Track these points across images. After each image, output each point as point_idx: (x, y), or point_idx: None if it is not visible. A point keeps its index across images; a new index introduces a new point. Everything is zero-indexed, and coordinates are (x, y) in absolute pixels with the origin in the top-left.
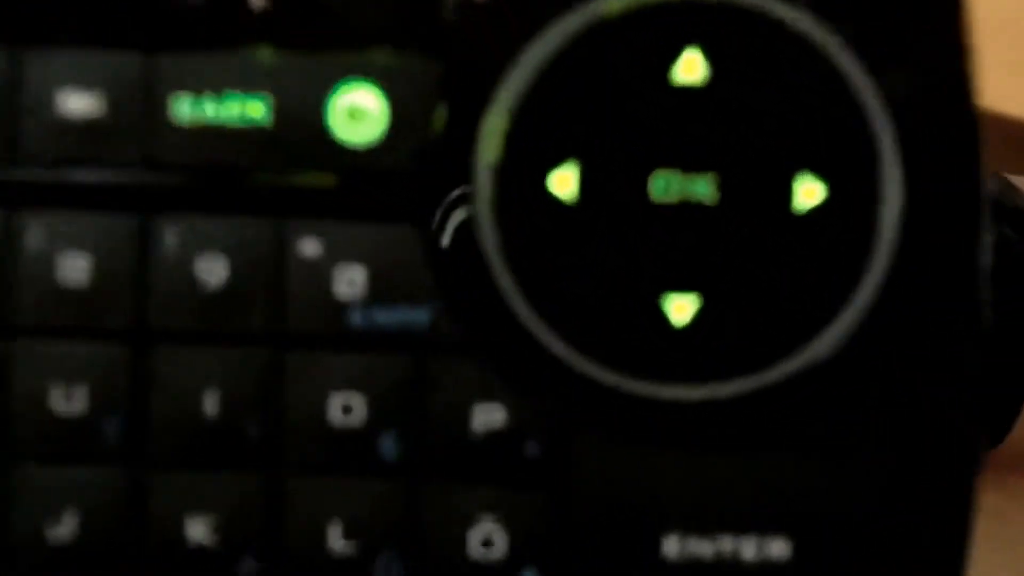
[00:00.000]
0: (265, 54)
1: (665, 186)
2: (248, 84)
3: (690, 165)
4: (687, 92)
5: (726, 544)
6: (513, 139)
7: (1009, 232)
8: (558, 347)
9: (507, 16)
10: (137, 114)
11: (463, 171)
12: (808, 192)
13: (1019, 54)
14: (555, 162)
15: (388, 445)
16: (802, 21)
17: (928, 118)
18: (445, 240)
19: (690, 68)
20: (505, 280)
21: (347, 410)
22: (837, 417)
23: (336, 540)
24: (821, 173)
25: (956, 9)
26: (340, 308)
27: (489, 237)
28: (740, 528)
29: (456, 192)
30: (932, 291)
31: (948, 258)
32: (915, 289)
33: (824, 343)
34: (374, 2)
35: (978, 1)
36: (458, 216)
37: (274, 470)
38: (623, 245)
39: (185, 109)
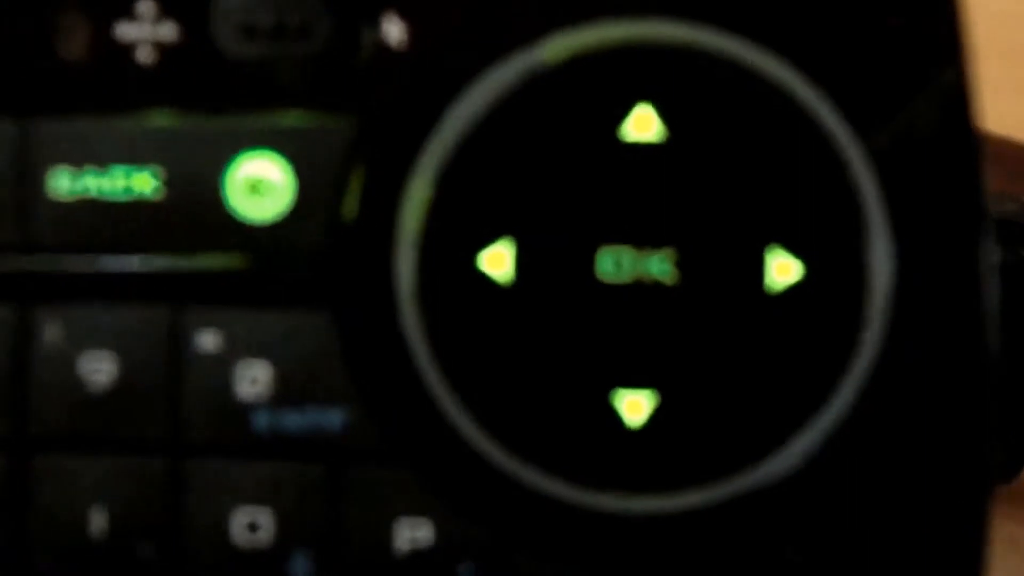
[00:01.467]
0: (154, 119)
1: (615, 264)
2: (135, 153)
3: (644, 239)
4: (640, 152)
5: None
6: (438, 210)
7: None
8: (493, 452)
9: (430, 66)
10: (9, 189)
11: (381, 248)
12: (782, 269)
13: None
14: (487, 237)
15: (300, 566)
16: (774, 68)
17: (925, 180)
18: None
19: (643, 124)
20: (431, 375)
21: (253, 527)
22: (818, 531)
23: None
24: (797, 246)
25: (957, 51)
26: (243, 410)
27: (412, 325)
28: None
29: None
30: (930, 381)
31: (948, 345)
32: (909, 380)
33: (802, 445)
34: (277, 56)
35: (988, 26)
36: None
37: None
38: (567, 333)
39: (64, 183)
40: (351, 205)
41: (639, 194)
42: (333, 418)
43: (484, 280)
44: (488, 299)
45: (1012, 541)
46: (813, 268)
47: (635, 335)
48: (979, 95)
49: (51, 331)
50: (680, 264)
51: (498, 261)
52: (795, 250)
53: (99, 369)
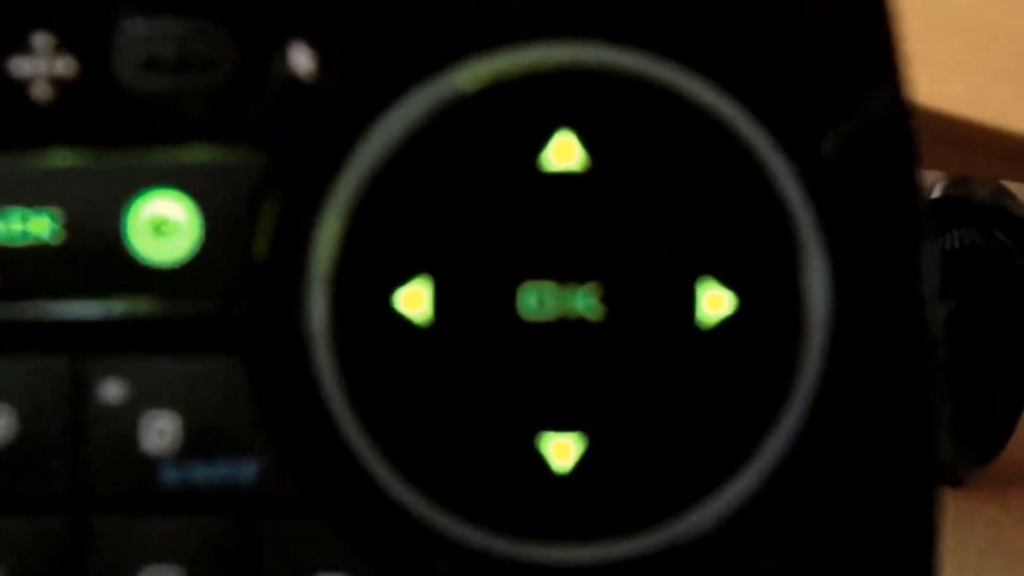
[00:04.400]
0: (52, 158)
1: (538, 301)
2: (32, 195)
3: (567, 274)
4: (561, 182)
5: None
6: (351, 248)
7: (1003, 238)
8: (414, 502)
9: (340, 97)
10: None
11: (292, 289)
12: (713, 301)
13: (1016, 64)
14: (403, 276)
15: None
16: (701, 90)
17: (861, 200)
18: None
19: (564, 152)
20: (346, 421)
21: None
22: None
23: None
24: (729, 277)
25: (890, 64)
26: (150, 464)
27: (326, 369)
28: None
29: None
30: (873, 411)
31: (892, 371)
32: (851, 411)
33: (739, 488)
34: (180, 89)
35: (976, 13)
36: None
37: None
38: (489, 375)
39: None
40: (259, 244)
41: (561, 226)
42: (245, 470)
43: (400, 320)
44: (405, 340)
45: (995, 525)
46: (747, 299)
47: (561, 375)
48: (915, 107)
49: None
50: (606, 299)
51: (415, 300)
52: (727, 281)
53: None
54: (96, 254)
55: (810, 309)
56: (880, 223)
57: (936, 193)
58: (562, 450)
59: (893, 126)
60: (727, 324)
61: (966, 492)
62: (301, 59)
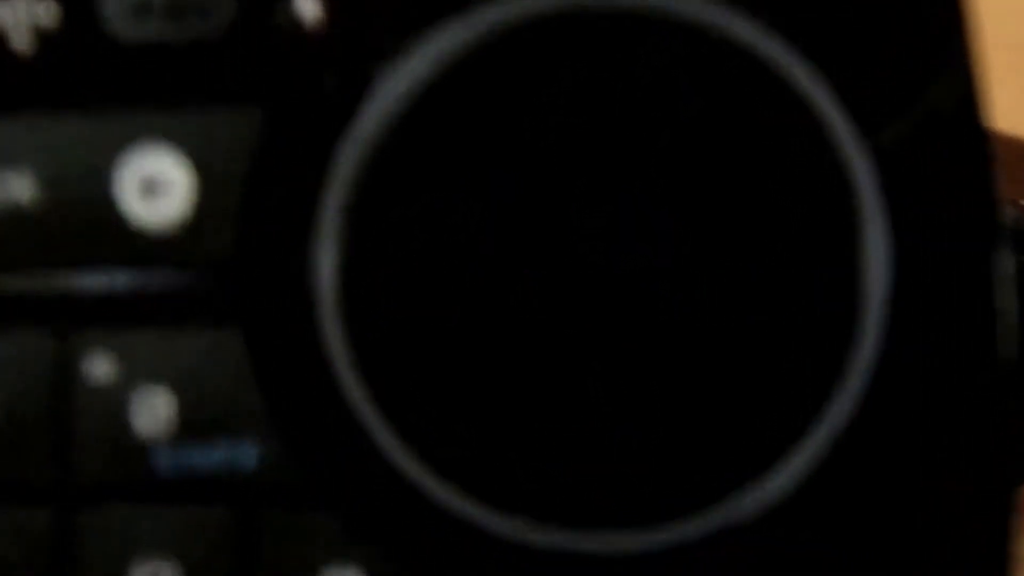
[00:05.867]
0: (33, 115)
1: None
2: (11, 155)
3: (607, 237)
4: (592, 143)
5: None
6: (358, 217)
7: None
8: (433, 487)
9: (350, 47)
10: None
11: (298, 248)
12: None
13: None
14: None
15: None
16: (760, 41)
17: (930, 179)
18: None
19: (597, 101)
20: (359, 401)
21: None
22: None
23: None
24: (782, 248)
25: (961, 35)
26: (142, 449)
27: (336, 345)
28: None
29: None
30: (935, 391)
31: (954, 352)
32: (911, 391)
33: (793, 468)
34: (174, 38)
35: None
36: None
37: None
38: (522, 341)
39: None
40: (261, 203)
41: (599, 182)
42: (246, 454)
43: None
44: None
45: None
46: (801, 273)
47: (607, 342)
48: (987, 93)
49: None
50: (647, 268)
51: None
52: (781, 252)
53: None
54: (81, 217)
55: (868, 283)
56: (947, 200)
57: None
58: (605, 429)
59: (964, 109)
60: (780, 297)
61: None
62: (306, 5)
